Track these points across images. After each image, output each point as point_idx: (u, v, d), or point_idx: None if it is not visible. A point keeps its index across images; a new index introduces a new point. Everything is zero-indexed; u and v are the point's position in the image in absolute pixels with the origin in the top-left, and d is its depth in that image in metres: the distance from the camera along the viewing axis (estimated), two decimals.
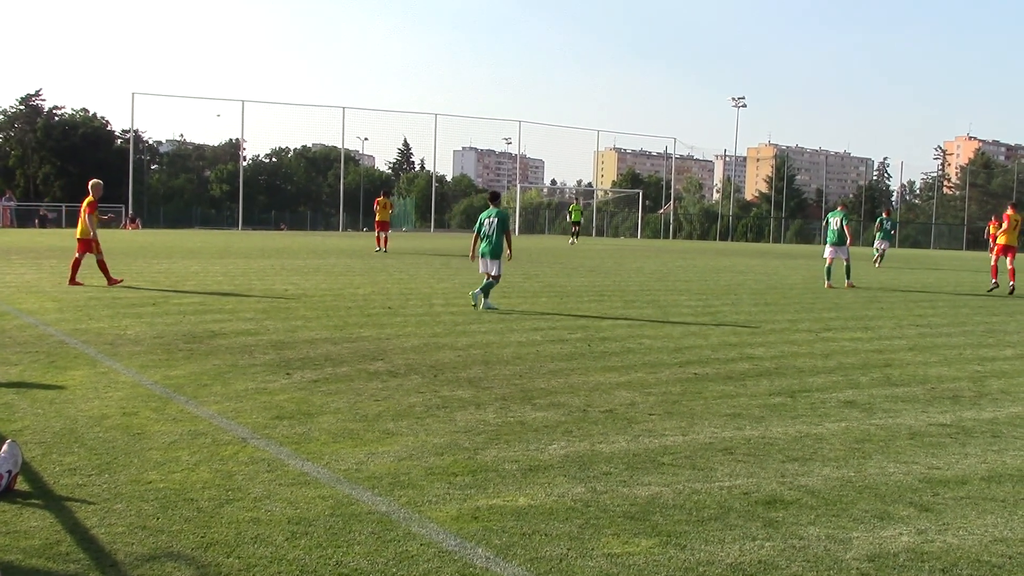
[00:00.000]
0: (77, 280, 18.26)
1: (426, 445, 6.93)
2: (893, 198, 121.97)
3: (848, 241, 24.11)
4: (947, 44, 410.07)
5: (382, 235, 34.72)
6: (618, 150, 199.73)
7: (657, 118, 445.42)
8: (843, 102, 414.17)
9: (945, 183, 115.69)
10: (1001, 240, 24.31)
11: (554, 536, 5.09)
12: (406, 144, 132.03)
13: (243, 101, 67.22)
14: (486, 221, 16.35)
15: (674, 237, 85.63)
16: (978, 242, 66.97)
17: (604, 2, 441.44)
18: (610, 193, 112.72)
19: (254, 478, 6.00)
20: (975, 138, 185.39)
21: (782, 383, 9.91)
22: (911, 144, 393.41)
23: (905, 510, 5.74)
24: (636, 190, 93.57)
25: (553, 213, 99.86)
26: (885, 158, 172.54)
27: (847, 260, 24.03)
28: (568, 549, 4.91)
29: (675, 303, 18.10)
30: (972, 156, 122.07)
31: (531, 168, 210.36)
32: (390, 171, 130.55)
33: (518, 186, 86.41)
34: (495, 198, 17.68)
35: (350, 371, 9.87)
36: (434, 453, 6.71)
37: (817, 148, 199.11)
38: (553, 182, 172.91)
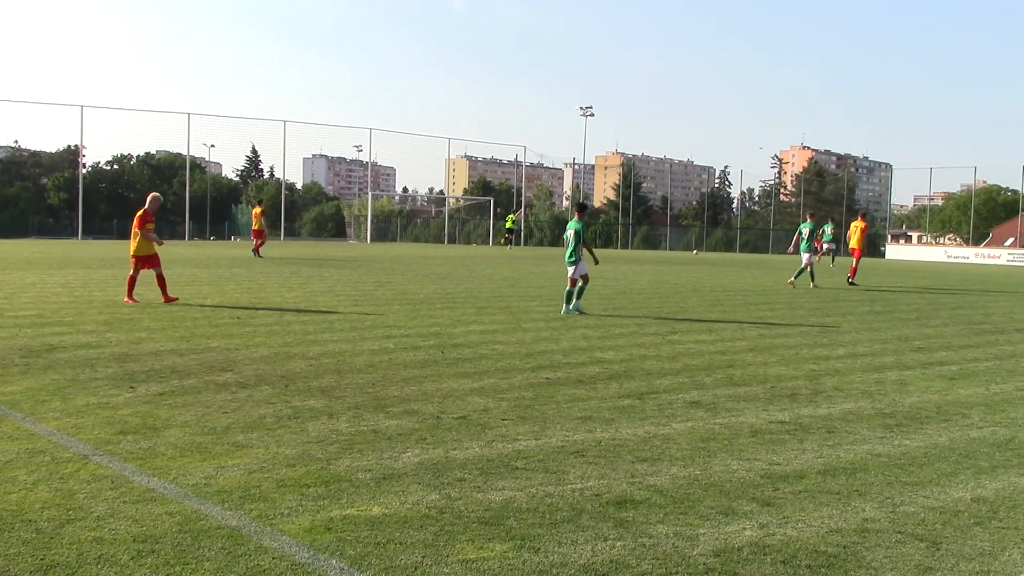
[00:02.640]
0: (171, 295, 17.75)
1: (277, 457, 6.81)
2: (734, 205, 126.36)
3: (818, 249, 28.84)
4: (783, 57, 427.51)
5: (257, 242, 37.28)
6: (469, 158, 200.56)
7: (508, 126, 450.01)
8: (686, 112, 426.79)
9: (782, 191, 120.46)
10: (852, 244, 29.92)
11: (409, 544, 5.09)
12: (254, 151, 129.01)
13: (82, 106, 64.53)
14: (569, 232, 17.66)
15: (525, 244, 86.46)
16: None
17: (453, 12, 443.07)
18: (461, 201, 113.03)
19: (97, 496, 5.79)
20: (809, 148, 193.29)
21: (631, 385, 10.14)
22: (750, 153, 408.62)
23: (748, 505, 5.95)
24: (487, 198, 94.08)
25: (405, 221, 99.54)
26: (726, 166, 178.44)
27: (811, 265, 27.39)
28: (423, 556, 4.91)
29: (527, 309, 18.29)
30: (806, 165, 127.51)
31: (383, 176, 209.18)
32: (238, 178, 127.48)
33: (369, 194, 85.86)
34: (581, 210, 18.61)
35: (197, 383, 9.63)
36: (286, 464, 6.60)
37: (662, 156, 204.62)
38: (405, 190, 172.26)
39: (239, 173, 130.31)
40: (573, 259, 17.37)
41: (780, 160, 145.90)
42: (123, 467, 6.46)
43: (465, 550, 5.02)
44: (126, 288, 17.75)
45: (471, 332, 14.31)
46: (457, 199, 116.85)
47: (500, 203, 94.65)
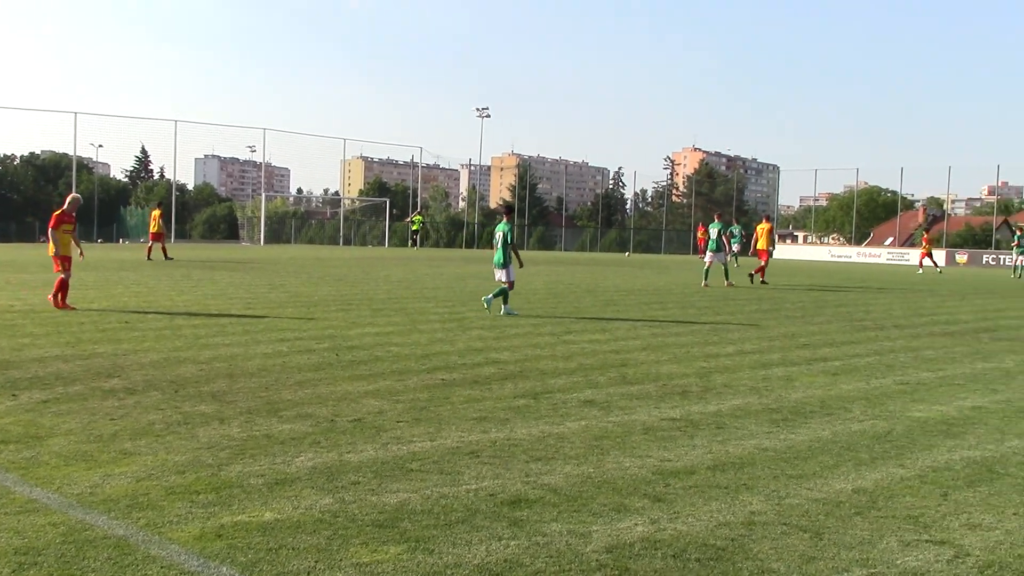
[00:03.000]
0: (61, 303, 16.74)
1: (166, 464, 6.68)
2: (627, 206, 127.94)
3: (727, 248, 29.49)
4: (676, 60, 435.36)
5: (155, 245, 35.99)
6: (365, 159, 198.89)
7: (404, 127, 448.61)
8: (582, 114, 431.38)
9: (674, 192, 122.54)
10: (760, 246, 30.81)
11: (301, 549, 5.04)
12: (144, 151, 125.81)
13: None
14: (497, 234, 17.90)
15: (421, 245, 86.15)
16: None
17: (345, 12, 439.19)
18: (357, 202, 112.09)
19: None
20: (700, 149, 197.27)
21: (526, 385, 10.22)
22: (643, 155, 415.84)
23: (640, 502, 6.06)
24: (383, 199, 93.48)
25: (299, 222, 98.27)
26: (620, 168, 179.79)
27: (724, 264, 28.85)
28: (316, 561, 4.87)
29: (422, 310, 18.27)
30: (697, 166, 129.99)
31: (277, 176, 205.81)
32: (127, 179, 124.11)
33: (263, 195, 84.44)
34: (508, 211, 19.94)
35: (83, 389, 9.37)
36: (175, 471, 6.48)
37: (558, 158, 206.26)
38: (299, 191, 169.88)
39: (128, 174, 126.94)
40: (502, 262, 17.68)
41: (672, 162, 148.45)
42: (4, 478, 6.25)
43: (359, 553, 5.00)
44: (57, 292, 16.86)
45: (366, 334, 14.23)
46: (353, 200, 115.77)
47: (396, 204, 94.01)
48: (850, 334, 16.18)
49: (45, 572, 4.65)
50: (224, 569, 4.74)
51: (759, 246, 31.00)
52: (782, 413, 9.10)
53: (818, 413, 9.16)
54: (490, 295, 17.69)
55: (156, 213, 37.16)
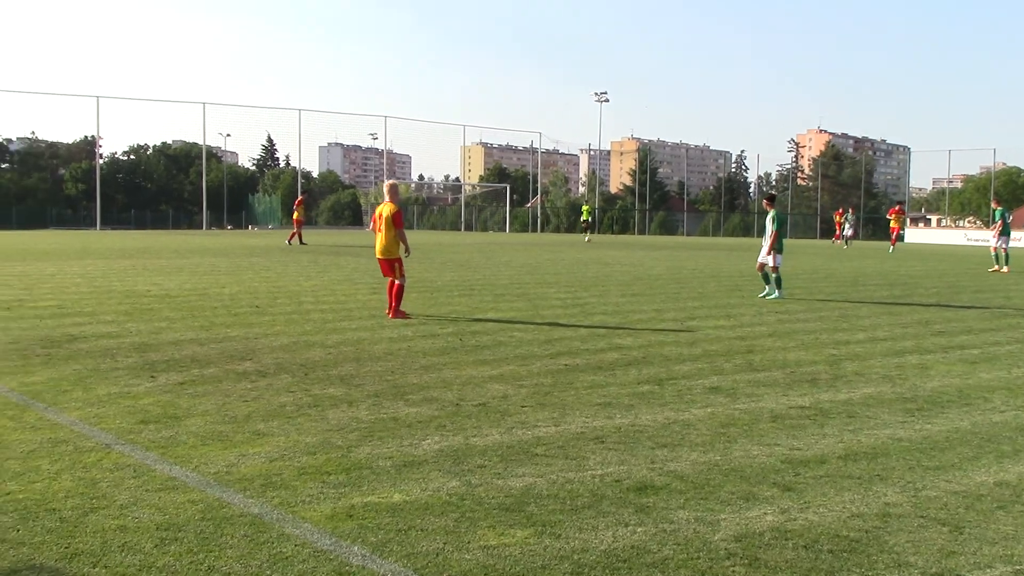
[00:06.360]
0: (402, 311, 14.41)
1: (298, 445, 6.84)
2: (751, 190, 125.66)
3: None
4: (799, 39, 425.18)
5: (297, 231, 40.28)
6: (485, 145, 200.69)
7: (523, 113, 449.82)
8: (702, 97, 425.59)
9: (799, 175, 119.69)
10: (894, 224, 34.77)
11: (430, 531, 5.09)
12: (270, 140, 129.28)
13: (98, 97, 65.02)
14: (772, 223, 19.00)
15: (542, 231, 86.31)
16: (830, 231, 69.56)
17: (461, 1, 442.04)
18: (478, 188, 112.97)
19: (119, 485, 5.82)
20: (826, 131, 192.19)
21: (650, 371, 10.12)
22: (767, 137, 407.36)
23: (769, 491, 5.93)
24: (503, 184, 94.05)
25: (421, 208, 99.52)
26: (742, 151, 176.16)
27: (1007, 250, 30.54)
28: (444, 543, 4.92)
29: (544, 296, 18.29)
30: (823, 148, 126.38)
31: (398, 163, 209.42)
32: (254, 168, 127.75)
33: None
34: (771, 200, 20.57)
35: (218, 372, 9.66)
36: (306, 452, 6.63)
37: (678, 141, 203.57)
38: (421, 177, 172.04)
39: (255, 162, 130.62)
40: (776, 248, 18.67)
41: (797, 144, 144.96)
42: (145, 456, 6.49)
43: (486, 536, 5.03)
44: (395, 301, 14.42)
45: (489, 319, 14.30)
46: (473, 186, 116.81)
47: (516, 190, 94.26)
48: (990, 321, 15.55)
49: (185, 547, 4.80)
50: (356, 549, 4.82)
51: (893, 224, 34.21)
52: (917, 403, 8.80)
53: (956, 403, 8.83)
54: (775, 292, 18.60)
55: (298, 200, 41.70)
